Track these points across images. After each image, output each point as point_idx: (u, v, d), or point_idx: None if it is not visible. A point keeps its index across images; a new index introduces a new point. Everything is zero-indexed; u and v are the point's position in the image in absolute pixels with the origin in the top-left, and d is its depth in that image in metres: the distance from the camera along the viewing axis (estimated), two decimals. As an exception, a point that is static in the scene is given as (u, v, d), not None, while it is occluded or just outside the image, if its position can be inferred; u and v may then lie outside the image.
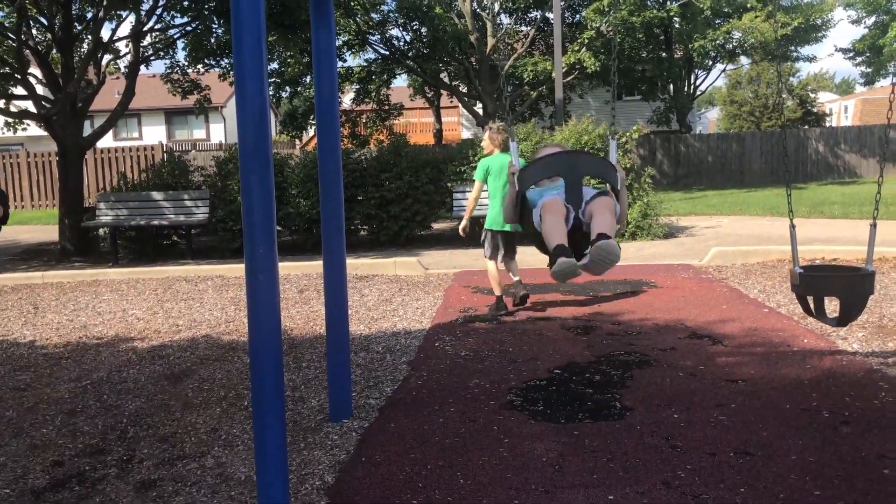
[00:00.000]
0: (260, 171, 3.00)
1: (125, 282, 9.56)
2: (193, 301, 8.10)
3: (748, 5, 20.65)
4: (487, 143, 6.79)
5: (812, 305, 4.15)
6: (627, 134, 12.06)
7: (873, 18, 28.63)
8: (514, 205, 3.94)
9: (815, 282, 4.02)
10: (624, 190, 3.86)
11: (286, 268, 9.64)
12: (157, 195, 12.01)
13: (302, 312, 7.27)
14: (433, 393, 4.62)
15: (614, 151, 4.14)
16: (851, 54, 30.63)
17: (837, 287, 4.00)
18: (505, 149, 6.59)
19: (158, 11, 13.18)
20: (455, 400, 4.46)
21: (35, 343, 6.52)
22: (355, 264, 9.63)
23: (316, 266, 9.23)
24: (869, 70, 30.75)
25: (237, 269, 9.71)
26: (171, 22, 14.31)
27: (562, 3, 19.04)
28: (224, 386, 5.00)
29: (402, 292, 8.10)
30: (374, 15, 22.16)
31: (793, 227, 4.27)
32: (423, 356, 5.48)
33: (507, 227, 6.49)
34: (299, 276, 9.38)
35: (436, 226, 13.31)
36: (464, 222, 7.02)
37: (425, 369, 5.14)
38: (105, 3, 11.81)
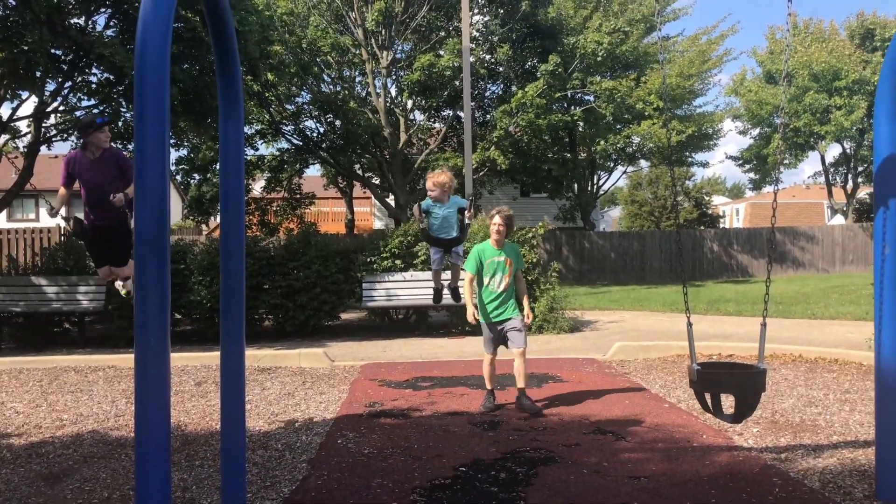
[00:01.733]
0: (156, 263, 2.90)
1: (7, 371, 8.93)
2: (82, 393, 7.62)
3: (646, 113, 21.99)
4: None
5: (709, 401, 4.26)
6: (534, 229, 12.40)
7: (758, 130, 30.95)
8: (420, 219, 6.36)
9: (711, 378, 4.15)
10: (466, 231, 6.50)
11: (185, 358, 9.26)
12: (48, 280, 11.43)
13: (198, 406, 6.93)
14: (333, 493, 4.43)
15: (471, 202, 6.34)
16: (740, 161, 32.86)
17: (732, 384, 4.13)
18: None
19: (64, 92, 12.91)
20: (356, 502, 4.28)
21: None
22: (258, 355, 9.34)
23: (215, 357, 8.84)
24: (756, 177, 32.97)
25: (131, 359, 9.22)
26: (78, 104, 14.03)
27: (472, 104, 19.80)
28: (108, 486, 4.65)
29: (305, 385, 7.87)
30: (288, 106, 22.39)
31: (689, 325, 4.43)
32: (325, 454, 5.28)
33: (501, 316, 6.47)
34: (198, 367, 9.00)
35: (344, 315, 13.15)
36: (470, 310, 6.48)
37: (326, 468, 4.95)
38: (6, 82, 11.48)
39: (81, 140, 5.70)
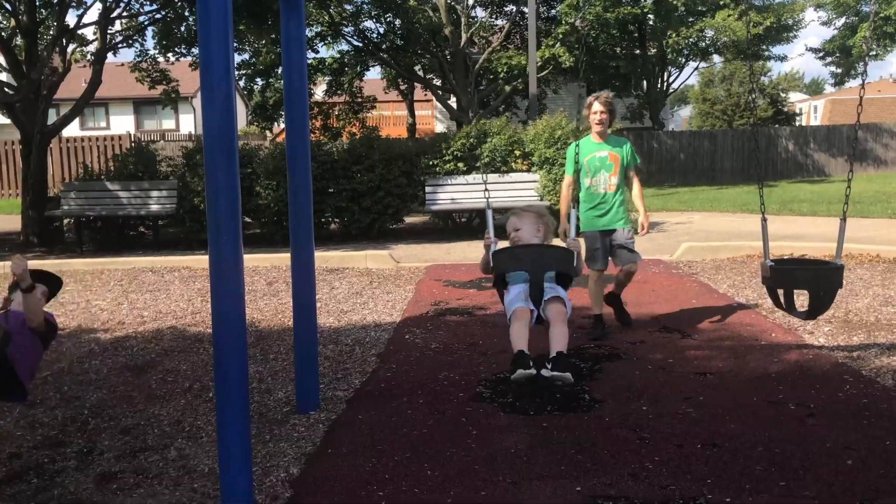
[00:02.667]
0: (225, 161, 2.94)
1: (90, 272, 9.37)
2: (159, 292, 7.97)
3: (721, 3, 20.81)
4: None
5: (782, 299, 4.17)
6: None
7: (843, 20, 29.02)
8: (487, 265, 4.05)
9: (785, 275, 4.05)
10: (580, 265, 4.13)
11: (255, 260, 9.53)
12: (122, 185, 11.80)
13: (270, 305, 7.17)
14: (402, 385, 4.58)
15: (574, 222, 4.50)
16: (822, 55, 31.05)
17: (807, 280, 4.03)
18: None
19: (127, -2, 12.96)
20: (424, 392, 4.41)
21: (-6, 334, 6.35)
22: (326, 257, 9.54)
23: (285, 258, 9.09)
24: (838, 71, 31.18)
25: (205, 261, 9.55)
26: (141, 9, 14.07)
27: (536, -2, 19.04)
28: (188, 377, 4.91)
29: (372, 285, 8.03)
30: (347, 6, 21.97)
31: (764, 220, 4.30)
32: (393, 349, 5.43)
33: (609, 225, 5.48)
34: (268, 268, 9.27)
35: (408, 219, 13.25)
36: (563, 225, 5.13)
37: (394, 362, 5.09)
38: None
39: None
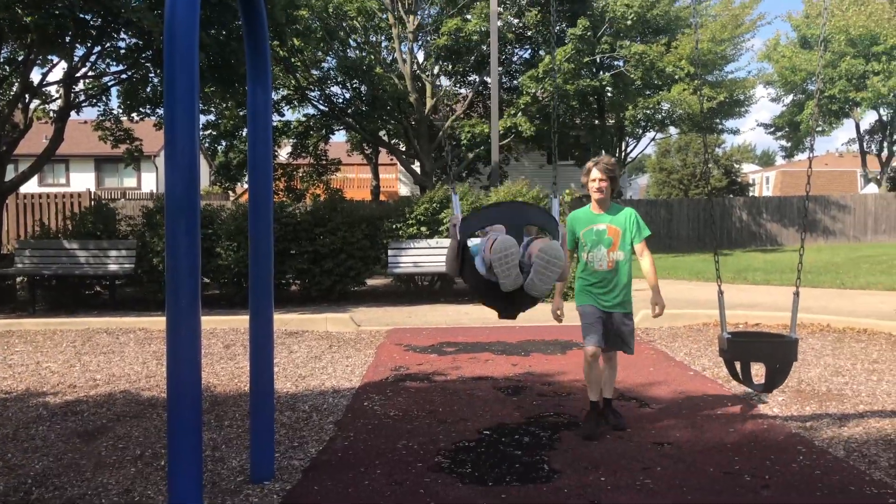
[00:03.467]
0: (187, 223, 2.95)
1: (41, 332, 9.14)
2: (114, 354, 7.79)
3: (676, 77, 21.62)
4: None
5: (739, 371, 4.25)
6: (560, 197, 12.31)
7: (791, 97, 30.33)
8: (455, 256, 4.03)
9: (742, 347, 4.13)
10: (565, 245, 4.25)
11: (213, 322, 9.40)
12: (80, 244, 11.62)
13: (227, 368, 7.05)
14: (360, 454, 4.51)
15: (556, 209, 4.37)
16: (772, 129, 32.27)
17: (764, 353, 4.12)
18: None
19: (93, 58, 12.98)
20: (382, 462, 4.36)
21: (-63, 397, 6.13)
22: (285, 319, 9.45)
23: (243, 320, 8.99)
24: (788, 144, 32.39)
25: (161, 322, 9.41)
26: (107, 69, 14.10)
27: (499, 70, 19.59)
28: (141, 444, 4.78)
29: (332, 349, 7.97)
30: (314, 71, 22.31)
31: (720, 293, 4.41)
32: (351, 416, 5.37)
33: (610, 308, 4.77)
34: (226, 330, 9.14)
35: (370, 281, 13.23)
36: (556, 301, 4.93)
37: (352, 430, 5.03)
38: (36, 47, 11.57)
39: None
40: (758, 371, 4.75)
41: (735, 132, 29.80)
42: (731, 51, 24.98)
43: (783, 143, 32.49)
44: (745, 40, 25.96)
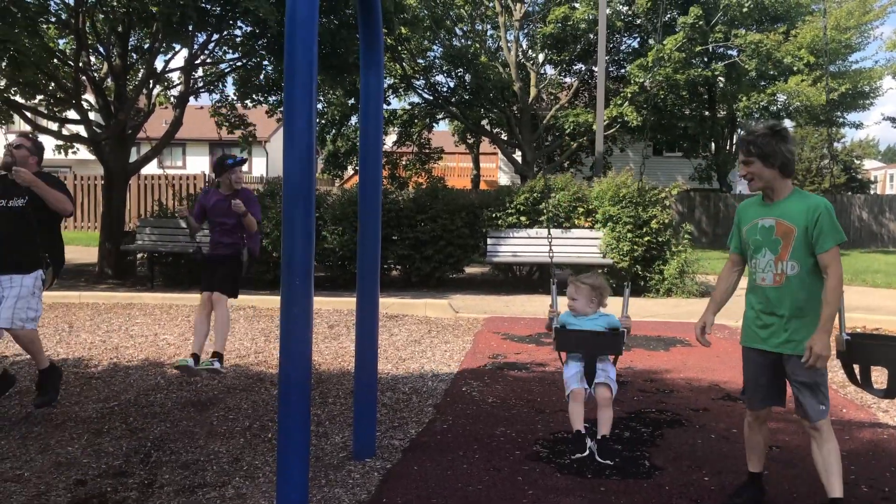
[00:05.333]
0: (303, 208, 3.05)
1: (159, 306, 9.66)
2: (224, 330, 8.14)
3: (794, 68, 20.61)
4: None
5: (858, 374, 4.02)
6: (667, 190, 12.00)
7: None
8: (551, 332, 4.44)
9: (863, 350, 3.90)
10: (626, 343, 4.36)
11: (318, 302, 9.66)
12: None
13: (331, 348, 7.26)
14: (458, 438, 4.55)
15: (627, 299, 4.57)
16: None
17: (887, 357, 3.88)
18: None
19: (211, 46, 13.55)
20: (480, 447, 4.38)
21: (67, 361, 6.59)
22: (386, 303, 9.61)
23: (347, 302, 9.25)
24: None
25: (269, 301, 9.78)
26: (223, 56, 14.70)
27: (606, 58, 19.22)
28: (249, 416, 4.99)
29: (431, 334, 8.06)
30: (420, 60, 22.55)
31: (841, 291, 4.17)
32: (450, 400, 5.42)
33: (775, 346, 3.43)
34: (330, 311, 9.40)
35: (468, 269, 13.29)
36: (699, 322, 3.68)
37: (451, 413, 5.08)
38: (160, 35, 12.17)
39: (216, 177, 5.79)
40: (878, 377, 4.49)
41: (858, 126, 28.09)
42: (856, 39, 23.57)
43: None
44: (874, 28, 24.43)
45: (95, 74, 13.44)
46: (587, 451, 4.10)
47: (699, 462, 4.16)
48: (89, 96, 13.31)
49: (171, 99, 15.52)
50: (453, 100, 23.07)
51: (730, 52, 22.23)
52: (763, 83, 21.63)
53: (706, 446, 4.44)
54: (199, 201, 5.81)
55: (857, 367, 3.93)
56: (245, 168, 38.01)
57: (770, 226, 3.43)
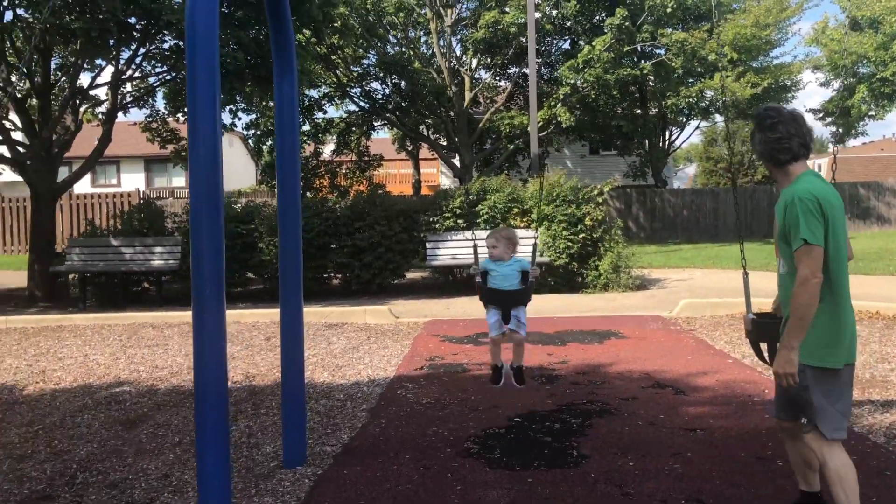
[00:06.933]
0: (210, 214, 3.02)
1: (90, 327, 9.43)
2: (158, 347, 8.00)
3: (719, 65, 21.23)
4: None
5: (766, 352, 4.17)
6: (600, 187, 12.23)
7: (840, 81, 29.47)
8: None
9: (766, 328, 4.05)
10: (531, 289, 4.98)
11: (255, 315, 9.58)
12: (126, 241, 11.94)
13: (267, 360, 7.19)
14: (390, 440, 4.57)
15: (534, 254, 5.31)
16: (821, 115, 31.42)
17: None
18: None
19: (138, 60, 13.31)
20: (412, 447, 4.41)
21: (-9, 388, 6.39)
22: (325, 312, 9.58)
23: (285, 313, 9.17)
24: (839, 131, 31.48)
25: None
26: (151, 71, 14.44)
27: (538, 61, 19.50)
28: (179, 431, 4.91)
29: (370, 340, 8.06)
30: (354, 68, 22.52)
31: (745, 275, 4.34)
32: (384, 404, 5.43)
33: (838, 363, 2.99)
34: (268, 323, 9.31)
35: (409, 275, 13.31)
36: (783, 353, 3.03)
37: (385, 417, 5.09)
38: (83, 50, 11.90)
39: None
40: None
41: (783, 119, 29.03)
42: (776, 35, 24.42)
43: (833, 129, 31.54)
44: (791, 24, 25.36)
45: (18, 93, 13.05)
46: (501, 382, 5.03)
47: (624, 448, 4.26)
48: (12, 115, 12.93)
49: (100, 116, 15.17)
50: (390, 106, 23.10)
51: (657, 51, 22.80)
52: (690, 80, 22.23)
53: (632, 433, 4.55)
54: None
55: (764, 347, 4.07)
56: (183, 182, 37.19)
57: (776, 219, 3.18)
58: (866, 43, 25.50)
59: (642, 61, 22.47)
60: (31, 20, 10.98)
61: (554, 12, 22.36)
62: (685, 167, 61.84)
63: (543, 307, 9.67)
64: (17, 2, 11.18)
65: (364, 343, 7.91)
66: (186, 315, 9.77)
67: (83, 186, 28.14)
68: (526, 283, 4.92)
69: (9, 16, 11.51)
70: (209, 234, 3.00)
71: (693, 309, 9.23)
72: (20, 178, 14.53)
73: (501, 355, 5.08)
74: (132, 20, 11.54)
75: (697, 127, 30.71)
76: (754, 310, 3.96)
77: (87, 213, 21.24)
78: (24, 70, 12.76)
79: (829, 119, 31.28)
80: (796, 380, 2.95)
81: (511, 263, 4.95)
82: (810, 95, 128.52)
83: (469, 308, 10.17)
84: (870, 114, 27.55)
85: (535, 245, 5.68)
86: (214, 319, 3.03)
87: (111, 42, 11.50)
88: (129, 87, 14.91)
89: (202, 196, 3.01)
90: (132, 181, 35.12)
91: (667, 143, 27.53)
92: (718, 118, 28.66)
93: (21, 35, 11.98)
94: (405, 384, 5.99)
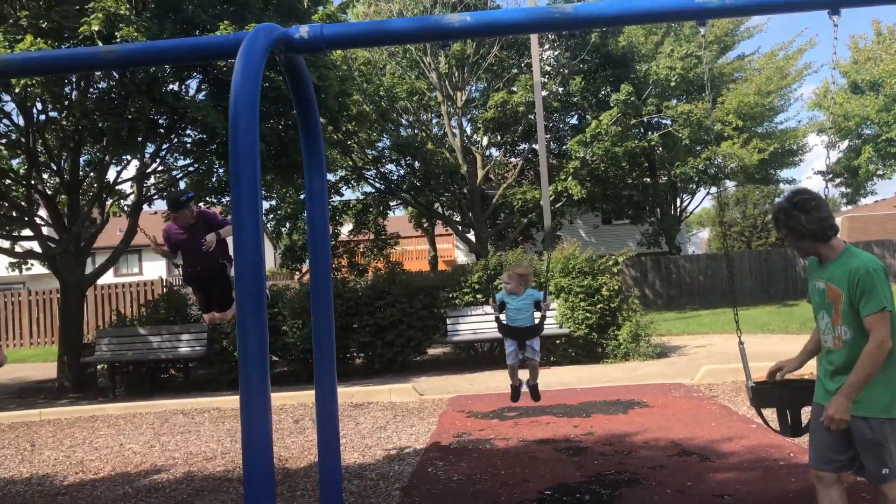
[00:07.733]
0: (254, 306, 3.26)
1: (122, 416, 9.60)
2: (190, 434, 8.15)
3: (725, 134, 21.70)
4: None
5: (779, 418, 4.29)
6: (615, 257, 12.46)
7: (846, 142, 29.91)
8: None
9: (765, 395, 4.19)
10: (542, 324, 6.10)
11: (282, 398, 9.73)
12: (153, 330, 12.22)
13: (297, 442, 7.32)
14: (425, 517, 4.68)
15: (546, 293, 6.27)
16: (830, 176, 31.74)
17: (784, 399, 4.15)
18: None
19: (162, 153, 13.87)
20: (446, 523, 4.51)
21: (31, 480, 6.55)
22: (350, 392, 9.72)
23: (311, 395, 9.30)
24: (848, 190, 31.74)
25: (233, 401, 9.78)
26: (175, 164, 15.02)
27: (547, 136, 20.03)
28: (218, 517, 5.04)
29: (396, 419, 8.17)
30: (369, 151, 23.19)
31: (741, 344, 4.49)
32: (416, 482, 5.54)
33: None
34: (295, 405, 9.45)
35: (431, 350, 13.46)
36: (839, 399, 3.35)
37: (418, 495, 5.20)
38: (111, 148, 12.46)
39: (172, 215, 6.15)
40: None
41: (791, 182, 29.40)
42: (779, 101, 24.97)
43: (843, 189, 31.79)
44: (794, 90, 25.96)
45: (48, 190, 13.60)
46: (520, 398, 6.35)
47: (655, 517, 4.35)
48: (42, 211, 13.44)
49: (125, 208, 15.70)
50: (404, 186, 23.65)
51: (664, 121, 23.35)
52: (697, 148, 22.68)
53: (662, 501, 4.64)
54: (170, 239, 6.04)
55: (770, 412, 4.20)
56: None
57: (822, 289, 3.46)
58: (867, 105, 26.02)
59: (649, 133, 22.99)
60: (63, 122, 11.55)
61: (560, 90, 23.06)
62: (698, 231, 62.11)
63: (566, 379, 9.78)
64: (49, 105, 11.81)
65: (391, 422, 8.03)
66: (216, 401, 9.96)
67: (106, 277, 28.67)
68: (539, 311, 5.91)
69: (42, 116, 12.15)
70: (255, 326, 3.24)
71: (714, 375, 9.30)
72: (46, 271, 14.99)
73: (518, 376, 6.27)
74: (158, 117, 12.13)
75: (708, 193, 31.05)
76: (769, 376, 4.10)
77: (112, 304, 21.66)
78: (55, 168, 13.34)
79: (837, 180, 31.57)
80: (847, 425, 3.31)
81: (525, 297, 5.89)
82: (818, 157, 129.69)
83: (493, 382, 10.28)
84: (878, 173, 27.84)
85: (545, 286, 7.12)
86: (261, 408, 3.23)
87: (139, 139, 12.04)
88: (153, 178, 15.48)
89: (247, 290, 3.26)
90: (154, 270, 35.76)
91: (678, 209, 27.84)
92: (729, 183, 29.04)
93: (52, 135, 12.58)
94: (435, 461, 6.10)
